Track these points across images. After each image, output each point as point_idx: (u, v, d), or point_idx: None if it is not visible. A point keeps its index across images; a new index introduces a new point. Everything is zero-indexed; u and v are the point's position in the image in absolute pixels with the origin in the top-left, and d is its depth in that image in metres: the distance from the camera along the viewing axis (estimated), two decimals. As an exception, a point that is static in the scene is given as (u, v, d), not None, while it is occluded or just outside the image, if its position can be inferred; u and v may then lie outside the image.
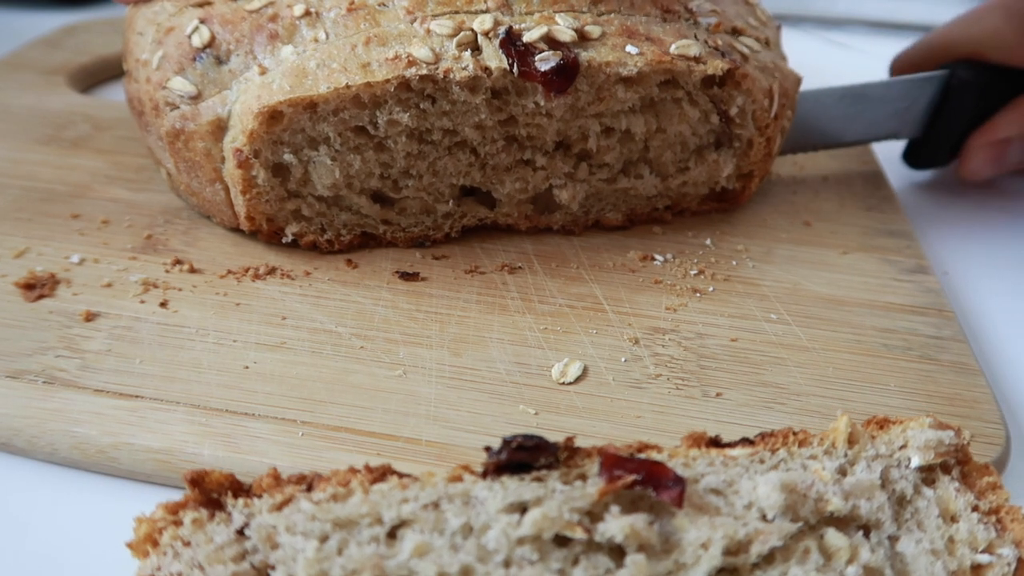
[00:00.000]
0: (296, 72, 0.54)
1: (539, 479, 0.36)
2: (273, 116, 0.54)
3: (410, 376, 0.51)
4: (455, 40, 0.54)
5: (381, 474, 0.37)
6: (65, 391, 0.48)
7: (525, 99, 0.57)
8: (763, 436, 0.40)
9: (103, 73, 0.95)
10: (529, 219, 0.65)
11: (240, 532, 0.35)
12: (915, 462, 0.38)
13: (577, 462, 0.37)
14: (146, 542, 0.35)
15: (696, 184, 0.67)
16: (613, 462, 0.36)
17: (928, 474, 0.39)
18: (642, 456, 0.37)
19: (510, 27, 0.55)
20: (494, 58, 0.54)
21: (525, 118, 0.59)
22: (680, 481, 0.35)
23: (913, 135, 0.76)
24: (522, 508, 0.35)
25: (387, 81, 0.53)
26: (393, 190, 0.61)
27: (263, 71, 0.55)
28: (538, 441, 0.36)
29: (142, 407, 0.48)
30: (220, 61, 0.56)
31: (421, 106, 0.56)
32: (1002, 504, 0.38)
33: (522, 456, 0.36)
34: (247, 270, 0.59)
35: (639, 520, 0.34)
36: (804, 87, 0.69)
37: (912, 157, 0.80)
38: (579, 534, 0.34)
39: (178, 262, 0.60)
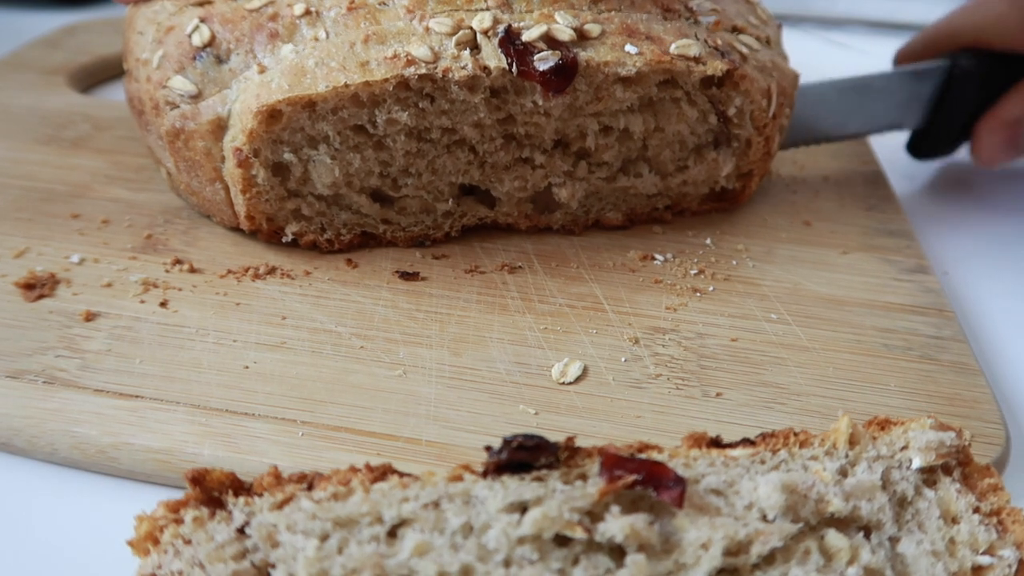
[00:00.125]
0: (295, 71, 0.54)
1: (539, 479, 0.36)
2: (272, 115, 0.54)
3: (410, 376, 0.51)
4: (454, 39, 0.54)
5: (382, 473, 0.37)
6: (65, 391, 0.48)
7: (524, 98, 0.57)
8: (764, 436, 0.40)
9: (103, 73, 0.95)
10: (529, 218, 0.65)
11: (241, 531, 0.35)
12: (916, 463, 0.38)
13: (577, 462, 0.37)
14: (147, 540, 0.35)
15: (696, 183, 0.67)
16: (613, 462, 0.36)
17: (929, 475, 0.39)
18: (642, 456, 0.37)
19: (509, 26, 0.55)
20: (493, 57, 0.54)
21: (523, 117, 0.59)
22: (681, 481, 0.35)
23: (916, 126, 0.76)
24: (522, 508, 0.35)
25: (386, 80, 0.53)
26: (393, 189, 0.61)
27: (262, 70, 0.55)
28: (538, 441, 0.36)
29: (142, 407, 0.47)
30: (220, 60, 0.56)
31: (420, 105, 0.56)
32: (1003, 506, 0.38)
33: (522, 456, 0.36)
34: (247, 270, 0.59)
35: (639, 520, 0.34)
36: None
37: (916, 148, 0.79)
38: (579, 534, 0.34)
39: (178, 262, 0.60)
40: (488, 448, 0.36)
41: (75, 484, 0.45)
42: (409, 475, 0.37)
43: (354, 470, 0.37)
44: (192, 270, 0.59)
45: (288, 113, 0.54)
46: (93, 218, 0.64)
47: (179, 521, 0.35)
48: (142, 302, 0.56)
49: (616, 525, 0.34)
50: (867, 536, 0.36)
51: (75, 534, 0.43)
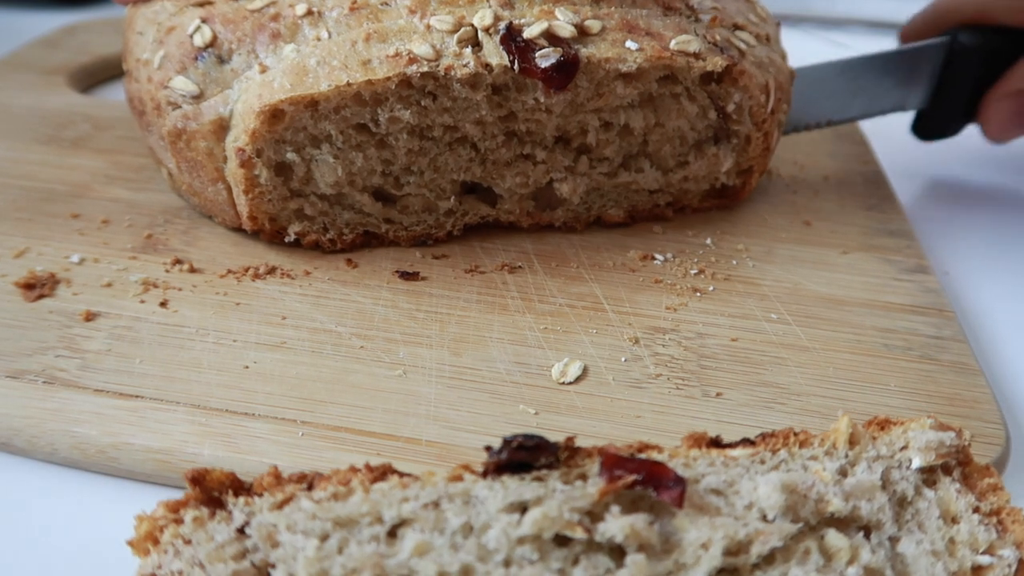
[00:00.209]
0: (296, 70, 0.54)
1: (539, 479, 0.36)
2: (275, 115, 0.54)
3: (410, 376, 0.51)
4: (455, 36, 0.54)
5: (382, 473, 0.37)
6: (65, 391, 0.48)
7: (525, 95, 0.57)
8: (764, 436, 0.40)
9: (103, 73, 0.95)
10: (531, 216, 0.65)
11: (241, 530, 0.35)
12: (916, 463, 0.38)
13: (577, 462, 0.37)
14: (147, 540, 0.35)
15: (696, 179, 0.67)
16: (613, 462, 0.36)
17: (929, 475, 0.39)
18: (642, 456, 0.37)
19: (510, 23, 0.55)
20: (495, 55, 0.54)
21: (525, 114, 0.59)
22: (680, 481, 0.35)
23: (919, 106, 0.76)
24: (522, 508, 0.35)
25: (388, 79, 0.53)
26: (395, 187, 0.61)
27: (264, 70, 0.55)
28: (538, 441, 0.36)
29: (142, 407, 0.47)
30: (222, 60, 0.56)
31: (422, 103, 0.56)
32: (1003, 506, 0.38)
33: (522, 456, 0.36)
34: (247, 270, 0.59)
35: (639, 520, 0.34)
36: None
37: (921, 129, 0.78)
38: (579, 534, 0.34)
39: (178, 262, 0.60)
40: (488, 448, 0.36)
41: (75, 484, 0.45)
42: (409, 475, 0.37)
43: (354, 470, 0.37)
44: (192, 270, 0.59)
45: (291, 112, 0.54)
46: (93, 218, 0.64)
47: (179, 521, 0.35)
48: (142, 302, 0.56)
49: (616, 525, 0.34)
50: (867, 536, 0.36)
51: (75, 534, 0.43)
